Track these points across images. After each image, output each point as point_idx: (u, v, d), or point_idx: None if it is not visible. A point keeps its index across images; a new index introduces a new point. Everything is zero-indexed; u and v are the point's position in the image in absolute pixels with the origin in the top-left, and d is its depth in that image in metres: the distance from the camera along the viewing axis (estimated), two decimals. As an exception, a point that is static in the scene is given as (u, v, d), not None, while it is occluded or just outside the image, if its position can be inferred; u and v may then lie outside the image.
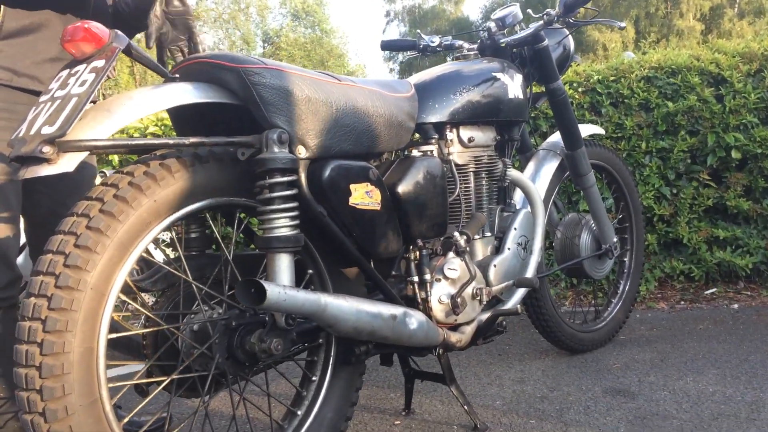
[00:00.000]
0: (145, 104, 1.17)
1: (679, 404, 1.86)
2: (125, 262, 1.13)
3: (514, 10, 2.08)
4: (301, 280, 1.45)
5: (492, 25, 2.06)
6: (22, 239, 1.61)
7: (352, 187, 1.38)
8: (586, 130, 2.37)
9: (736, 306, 2.95)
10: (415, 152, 1.67)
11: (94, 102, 1.16)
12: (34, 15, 1.43)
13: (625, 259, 2.60)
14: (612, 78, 3.27)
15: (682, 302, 3.07)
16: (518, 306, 1.79)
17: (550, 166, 2.23)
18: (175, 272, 1.28)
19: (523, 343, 2.59)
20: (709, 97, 3.12)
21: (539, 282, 1.95)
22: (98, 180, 1.86)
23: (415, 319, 1.47)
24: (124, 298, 1.19)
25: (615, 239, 2.37)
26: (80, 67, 1.13)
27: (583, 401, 1.93)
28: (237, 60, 1.27)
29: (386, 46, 2.36)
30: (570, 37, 2.23)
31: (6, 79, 1.42)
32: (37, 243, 1.57)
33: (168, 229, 1.20)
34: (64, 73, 1.16)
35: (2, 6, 1.41)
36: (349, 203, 1.38)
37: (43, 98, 1.14)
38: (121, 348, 1.35)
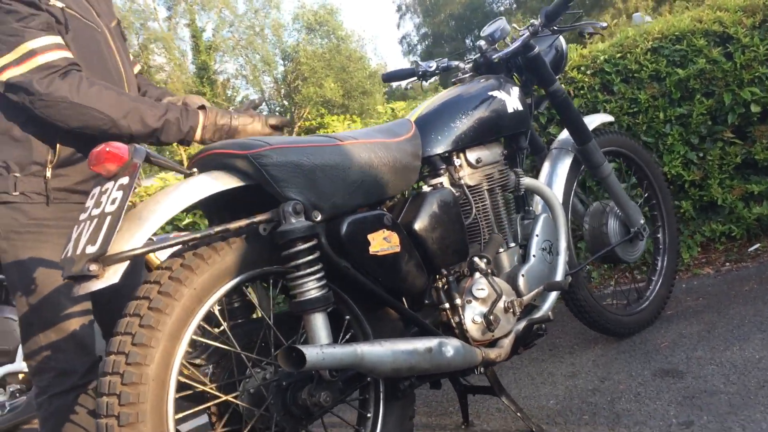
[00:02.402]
0: (173, 205, 1.30)
1: (726, 377, 1.91)
2: (179, 349, 1.26)
3: (501, 24, 2.15)
4: (340, 326, 1.57)
5: (482, 43, 2.14)
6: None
7: (370, 237, 1.49)
8: (594, 120, 2.43)
9: (781, 259, 2.96)
10: (425, 187, 1.77)
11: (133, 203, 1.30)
12: (82, 142, 1.59)
13: (659, 236, 2.64)
14: (618, 55, 3.30)
15: (727, 264, 3.08)
16: (549, 313, 1.87)
17: (565, 164, 2.30)
18: (224, 346, 1.41)
19: (573, 334, 2.65)
20: (717, 56, 3.12)
21: (570, 281, 2.04)
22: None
23: (450, 346, 1.57)
24: (183, 379, 1.32)
25: (642, 221, 2.42)
26: (109, 185, 1.27)
27: (633, 388, 2.00)
28: (244, 146, 1.39)
29: (387, 77, 2.47)
30: (561, 38, 2.29)
31: (62, 198, 1.60)
32: (103, 322, 1.75)
33: (210, 309, 1.33)
34: (97, 190, 1.30)
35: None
36: (370, 253, 1.49)
37: (82, 216, 1.28)
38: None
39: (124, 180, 1.24)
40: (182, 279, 1.28)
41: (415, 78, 2.37)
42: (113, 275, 1.20)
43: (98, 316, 1.81)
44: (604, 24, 2.18)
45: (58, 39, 1.54)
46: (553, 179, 2.27)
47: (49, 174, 1.58)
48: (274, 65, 28.43)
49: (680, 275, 3.09)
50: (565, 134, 2.35)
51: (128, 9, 22.96)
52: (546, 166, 2.31)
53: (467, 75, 2.08)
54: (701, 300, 2.68)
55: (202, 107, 1.68)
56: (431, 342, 1.53)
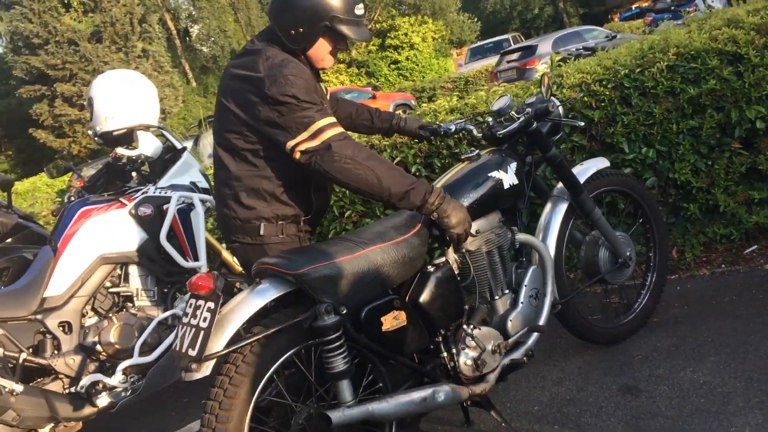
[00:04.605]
0: (243, 313, 1.92)
1: (670, 400, 2.44)
2: (249, 410, 1.91)
3: (506, 101, 2.60)
4: (365, 370, 2.18)
5: (490, 119, 2.61)
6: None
7: (383, 319, 2.08)
8: (590, 168, 2.87)
9: (768, 266, 3.35)
10: (429, 268, 2.30)
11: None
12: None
13: (651, 255, 3.10)
14: (638, 70, 3.61)
15: (723, 266, 3.50)
16: (524, 358, 2.42)
17: (560, 209, 2.77)
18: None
19: (570, 335, 3.18)
20: (728, 76, 3.40)
21: (560, 308, 2.60)
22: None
23: (442, 392, 2.17)
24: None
25: (628, 251, 2.89)
26: (201, 303, 1.89)
27: (599, 402, 2.56)
28: (290, 267, 1.97)
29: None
30: (559, 107, 2.70)
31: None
32: None
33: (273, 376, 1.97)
34: (193, 301, 1.93)
35: None
36: (383, 330, 2.08)
37: (184, 320, 1.92)
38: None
39: (211, 305, 1.86)
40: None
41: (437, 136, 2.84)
42: (206, 369, 1.85)
43: None
44: (581, 123, 2.59)
45: (333, 118, 2.18)
46: (551, 223, 2.76)
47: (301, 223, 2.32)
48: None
49: (680, 273, 3.55)
50: (562, 185, 2.81)
51: None
52: (546, 211, 2.79)
53: (473, 153, 2.54)
54: (685, 308, 3.15)
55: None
56: (426, 392, 2.14)
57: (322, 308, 1.96)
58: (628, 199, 3.05)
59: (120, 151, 3.07)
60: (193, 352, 1.83)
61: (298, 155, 2.12)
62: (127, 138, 3.09)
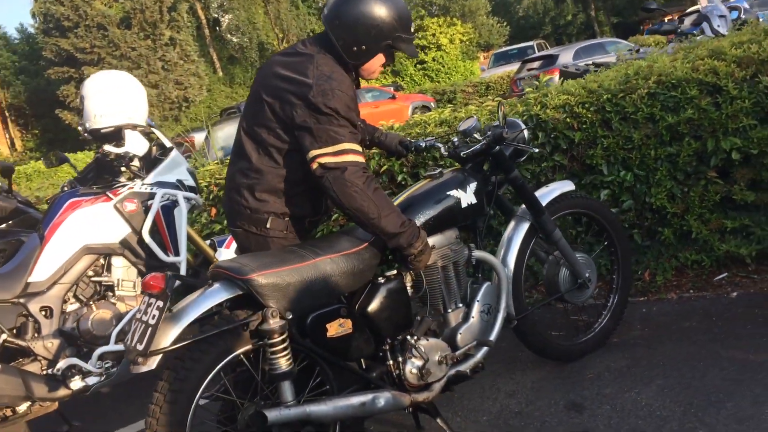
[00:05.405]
0: (192, 312, 2.05)
1: (609, 420, 2.53)
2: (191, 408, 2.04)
3: (472, 122, 2.70)
4: (313, 372, 2.30)
5: (455, 139, 2.71)
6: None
7: (328, 325, 2.20)
8: (555, 190, 2.96)
9: (735, 294, 3.41)
10: (380, 279, 2.41)
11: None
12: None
13: (614, 277, 3.18)
14: (621, 95, 3.68)
15: (691, 291, 3.57)
16: (469, 369, 2.52)
17: (522, 229, 2.86)
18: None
19: (534, 349, 3.28)
20: (706, 106, 3.47)
21: (515, 324, 2.69)
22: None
23: (383, 398, 2.28)
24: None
25: (587, 273, 2.97)
26: (153, 301, 2.02)
27: (544, 417, 2.65)
28: (240, 272, 2.09)
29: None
30: (525, 131, 2.79)
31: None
32: None
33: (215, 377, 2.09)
34: (146, 299, 2.06)
35: None
36: (327, 336, 2.20)
37: (137, 316, 2.05)
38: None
39: (160, 303, 1.99)
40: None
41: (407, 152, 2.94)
42: (152, 364, 1.98)
43: None
44: (536, 149, 2.69)
45: (360, 147, 2.31)
46: (512, 242, 2.85)
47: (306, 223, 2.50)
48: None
49: (649, 296, 3.62)
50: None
51: None
52: (508, 230, 2.89)
53: (436, 171, 2.64)
54: (646, 331, 3.23)
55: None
56: (366, 397, 2.25)
57: (268, 312, 2.08)
58: (593, 224, 3.13)
59: (107, 148, 3.21)
60: (140, 347, 1.96)
61: (315, 165, 2.23)
62: (115, 136, 3.23)
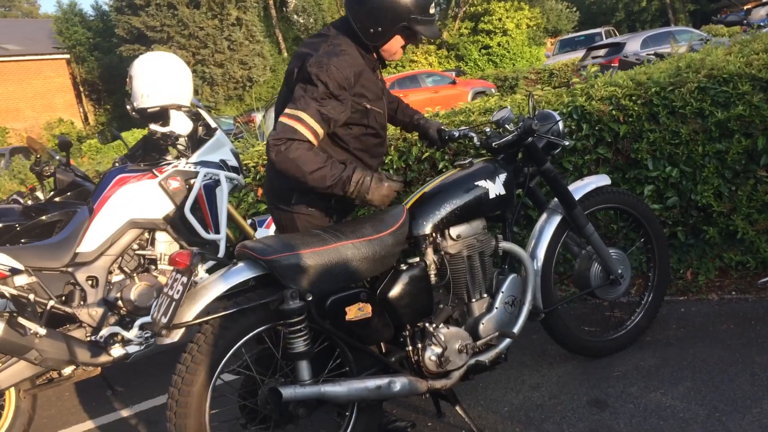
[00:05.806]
0: (215, 289, 2.13)
1: (630, 418, 2.50)
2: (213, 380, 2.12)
3: (506, 113, 2.69)
4: (333, 354, 2.36)
5: (488, 129, 2.70)
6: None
7: (347, 309, 2.24)
8: (590, 184, 2.91)
9: (777, 299, 3.30)
10: (402, 266, 2.43)
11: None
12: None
13: (650, 274, 3.12)
14: (669, 88, 3.58)
15: (734, 292, 3.47)
16: (489, 360, 2.53)
17: (553, 222, 2.84)
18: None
19: (564, 343, 3.25)
20: (758, 102, 3.34)
21: (543, 316, 2.69)
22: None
23: (399, 383, 2.32)
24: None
25: (620, 269, 2.93)
26: (179, 276, 2.11)
27: (565, 411, 2.64)
28: (264, 253, 2.16)
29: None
30: (560, 123, 2.76)
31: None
32: None
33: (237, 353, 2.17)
34: (173, 275, 2.14)
35: None
36: (346, 319, 2.24)
37: (164, 291, 2.14)
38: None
39: (185, 279, 2.07)
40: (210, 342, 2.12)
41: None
42: (175, 336, 2.07)
43: None
44: (567, 142, 2.65)
45: (320, 128, 2.29)
46: (542, 234, 2.84)
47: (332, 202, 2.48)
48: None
49: (689, 295, 3.53)
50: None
51: None
52: (539, 222, 2.87)
53: (466, 161, 2.64)
54: (681, 331, 3.16)
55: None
56: (382, 381, 2.29)
57: (288, 293, 2.14)
58: (630, 220, 3.07)
59: (153, 127, 3.33)
60: (164, 320, 2.05)
61: (279, 120, 2.29)
62: (161, 115, 3.35)
